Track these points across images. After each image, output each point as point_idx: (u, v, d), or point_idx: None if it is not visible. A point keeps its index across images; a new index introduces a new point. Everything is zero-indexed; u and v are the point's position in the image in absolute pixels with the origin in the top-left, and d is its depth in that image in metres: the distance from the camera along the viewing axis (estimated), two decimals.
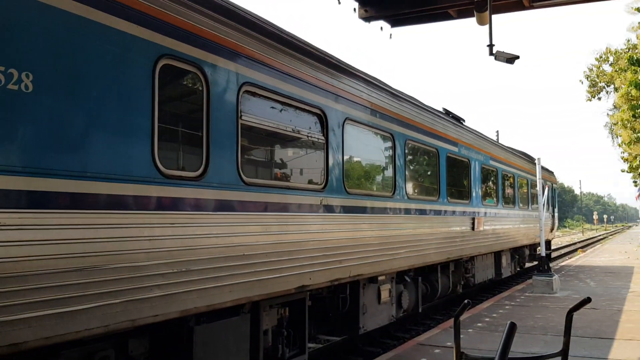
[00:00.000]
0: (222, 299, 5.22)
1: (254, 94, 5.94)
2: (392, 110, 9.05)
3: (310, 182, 7.15)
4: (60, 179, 3.87)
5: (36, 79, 3.73)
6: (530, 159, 19.74)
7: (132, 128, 4.41)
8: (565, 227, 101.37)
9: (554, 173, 25.93)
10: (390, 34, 11.97)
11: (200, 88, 5.24)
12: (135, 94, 4.47)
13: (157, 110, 4.64)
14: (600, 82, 33.75)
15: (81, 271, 3.93)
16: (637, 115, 22.19)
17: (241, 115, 5.67)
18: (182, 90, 5.51)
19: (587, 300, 3.28)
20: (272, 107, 6.31)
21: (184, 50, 4.97)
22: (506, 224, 16.03)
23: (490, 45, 7.33)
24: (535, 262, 19.66)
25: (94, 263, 4.03)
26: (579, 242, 49.74)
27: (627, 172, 30.51)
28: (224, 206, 5.35)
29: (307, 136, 6.93)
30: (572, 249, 38.63)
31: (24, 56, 3.68)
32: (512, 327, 2.76)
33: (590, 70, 33.98)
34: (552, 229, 23.85)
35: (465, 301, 3.38)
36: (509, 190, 16.97)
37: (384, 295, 8.92)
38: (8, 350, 3.51)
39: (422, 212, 10.03)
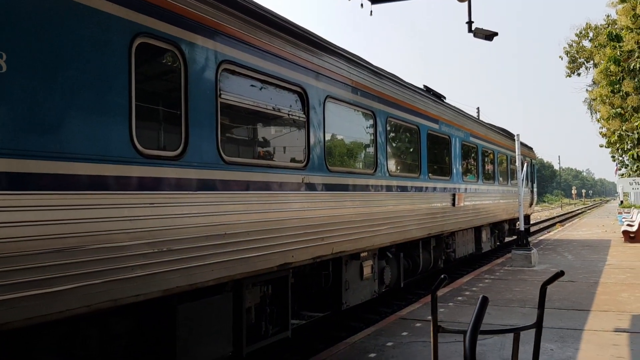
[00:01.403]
0: (204, 277, 5.25)
1: (233, 72, 5.90)
2: (373, 88, 9.05)
3: (291, 160, 7.16)
4: (38, 160, 3.83)
5: (10, 59, 3.67)
6: (510, 135, 19.93)
7: (109, 108, 4.37)
8: (544, 202, 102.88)
9: (533, 149, 26.22)
10: (371, 11, 11.91)
11: (178, 66, 5.19)
12: (112, 73, 4.41)
13: (135, 89, 4.59)
14: (579, 57, 34.02)
15: (62, 252, 3.92)
16: (615, 90, 22.46)
17: (220, 94, 5.63)
18: (159, 69, 5.45)
19: (560, 274, 3.37)
20: (252, 85, 6.27)
21: (160, 28, 4.91)
22: (486, 200, 16.24)
23: (470, 22, 7.35)
24: (515, 237, 19.99)
25: (75, 244, 4.02)
26: (558, 216, 50.62)
27: (606, 147, 30.97)
28: (204, 185, 5.34)
29: (288, 114, 6.92)
30: (550, 224, 39.31)
31: None
32: (484, 301, 2.83)
33: (570, 46, 34.20)
34: (531, 204, 24.21)
35: (442, 276, 3.44)
36: (489, 167, 17.15)
37: (366, 271, 9.02)
38: None
39: (404, 188, 10.10)
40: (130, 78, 4.55)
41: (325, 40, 7.90)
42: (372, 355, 6.88)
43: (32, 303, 3.75)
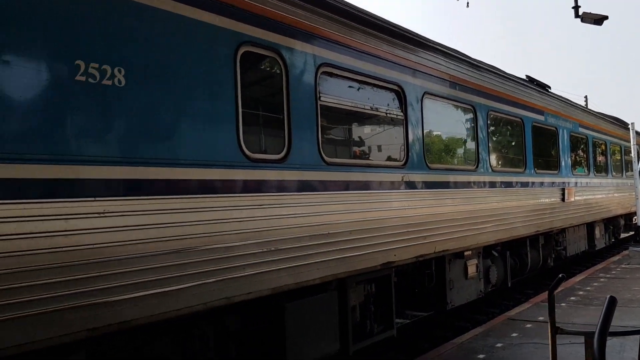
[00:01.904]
0: (309, 276, 5.37)
1: (331, 75, 5.99)
2: (472, 82, 8.81)
3: (390, 159, 7.15)
4: (154, 167, 4.10)
5: (128, 74, 3.95)
6: (623, 124, 18.58)
7: (218, 115, 4.60)
8: None
9: None
10: (468, 2, 11.60)
11: (279, 72, 5.35)
12: (220, 82, 4.64)
13: (241, 96, 4.80)
14: None
15: (179, 253, 4.17)
16: None
17: (320, 96, 5.74)
18: (262, 75, 5.65)
19: None
20: (350, 86, 6.34)
21: (262, 36, 5.09)
22: (598, 194, 15.26)
23: (576, 7, 6.95)
24: (632, 233, 18.60)
25: (190, 245, 4.26)
26: None
27: None
28: (306, 186, 5.48)
29: (386, 113, 6.91)
30: None
31: (115, 52, 3.90)
32: (612, 302, 2.66)
33: None
34: None
35: (560, 275, 3.29)
36: (600, 158, 16.10)
37: (471, 270, 8.80)
38: (118, 327, 3.80)
39: (508, 184, 9.75)
40: (236, 85, 4.76)
41: (421, 36, 7.80)
42: (481, 356, 6.69)
43: (154, 301, 4.01)
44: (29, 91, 3.48)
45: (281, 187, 5.18)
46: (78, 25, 3.71)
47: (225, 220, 4.55)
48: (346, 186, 6.01)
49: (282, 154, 5.26)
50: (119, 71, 3.91)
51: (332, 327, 5.83)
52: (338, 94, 6.15)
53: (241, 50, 4.85)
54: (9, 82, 3.37)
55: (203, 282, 4.32)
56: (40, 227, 3.39)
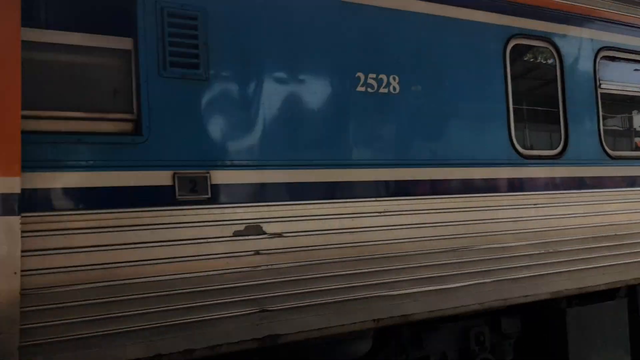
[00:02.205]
0: (594, 281, 4.98)
1: (612, 59, 5.47)
2: None
3: None
4: (429, 167, 4.22)
5: (402, 81, 4.16)
6: None
7: (489, 113, 4.54)
8: None
9: None
10: None
11: (552, 62, 5.06)
12: (489, 79, 4.58)
13: (511, 91, 4.66)
14: None
15: (454, 251, 4.24)
16: None
17: (600, 84, 5.28)
18: (532, 67, 5.41)
19: None
20: (637, 69, 5.67)
21: (532, 26, 4.87)
22: None
23: None
24: None
25: (465, 244, 4.29)
26: None
27: None
28: (587, 183, 5.10)
29: None
30: None
31: (390, 62, 4.13)
32: None
33: None
34: None
35: None
36: None
37: None
38: (400, 320, 4.03)
39: None
40: (506, 81, 4.64)
41: None
42: None
43: (432, 298, 4.14)
44: (318, 104, 3.89)
45: (557, 184, 4.90)
46: (356, 40, 4.02)
47: (499, 220, 4.48)
48: (634, 182, 5.40)
49: (558, 150, 4.97)
50: (394, 79, 4.13)
51: (622, 338, 5.27)
52: (622, 79, 5.56)
53: (510, 44, 4.71)
54: (303, 98, 3.82)
55: (479, 281, 4.32)
56: (333, 225, 3.78)
